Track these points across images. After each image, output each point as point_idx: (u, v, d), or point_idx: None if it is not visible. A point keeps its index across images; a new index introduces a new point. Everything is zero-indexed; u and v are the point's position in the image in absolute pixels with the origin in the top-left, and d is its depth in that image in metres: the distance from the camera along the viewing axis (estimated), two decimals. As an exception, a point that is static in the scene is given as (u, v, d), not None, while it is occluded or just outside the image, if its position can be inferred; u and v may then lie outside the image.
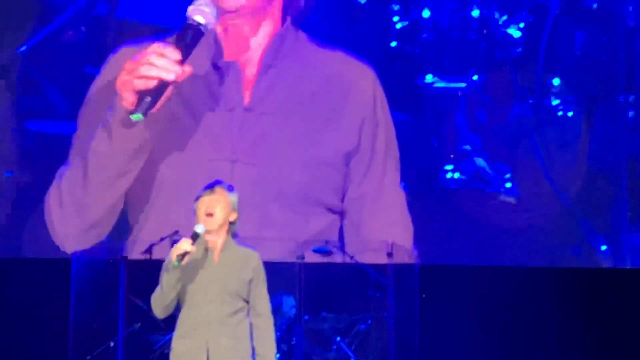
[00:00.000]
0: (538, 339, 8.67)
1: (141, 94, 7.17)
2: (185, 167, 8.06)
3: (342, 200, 8.39)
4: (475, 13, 8.88)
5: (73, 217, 8.09)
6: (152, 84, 7.17)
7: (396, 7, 8.84)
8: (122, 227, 8.53)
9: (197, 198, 5.74)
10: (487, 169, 8.71)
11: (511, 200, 8.65)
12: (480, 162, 8.73)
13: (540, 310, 8.64)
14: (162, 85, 7.22)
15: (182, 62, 7.22)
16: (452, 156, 8.92)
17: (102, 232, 8.05)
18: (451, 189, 8.74)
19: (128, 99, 7.27)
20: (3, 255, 8.74)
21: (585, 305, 8.80)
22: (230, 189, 5.84)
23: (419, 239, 8.61)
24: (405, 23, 8.84)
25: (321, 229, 8.25)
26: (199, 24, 7.28)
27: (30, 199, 8.57)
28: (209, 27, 7.40)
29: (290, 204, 8.30)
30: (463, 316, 8.78)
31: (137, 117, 7.22)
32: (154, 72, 7.16)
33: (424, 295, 8.44)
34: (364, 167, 8.40)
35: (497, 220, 8.60)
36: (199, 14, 7.30)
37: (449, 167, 8.77)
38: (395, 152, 8.53)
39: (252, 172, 8.21)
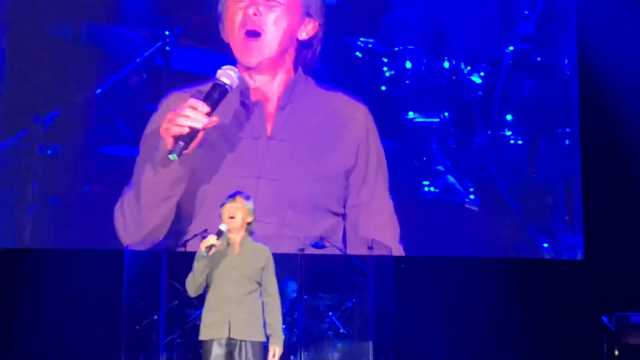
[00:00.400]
0: (491, 309, 9.72)
1: (176, 139, 8.44)
2: (221, 183, 9.20)
3: (344, 206, 9.70)
4: (446, 64, 10.24)
5: (132, 227, 9.45)
6: (185, 131, 8.39)
7: (385, 60, 10.14)
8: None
9: (222, 204, 6.74)
10: (456, 185, 10.08)
11: (474, 208, 10.03)
12: (450, 179, 10.08)
13: (494, 287, 9.68)
14: (194, 132, 8.46)
15: (210, 114, 8.46)
16: (427, 181, 10.17)
17: (156, 238, 9.31)
18: (428, 200, 10.06)
19: (167, 142, 8.55)
20: (82, 247, 9.74)
21: (530, 285, 9.97)
22: (247, 197, 6.71)
23: (404, 236, 9.92)
24: (392, 72, 10.17)
25: (327, 229, 9.50)
26: (225, 84, 8.56)
27: (103, 207, 9.64)
28: (233, 86, 8.65)
29: (303, 209, 9.65)
30: (431, 295, 9.85)
31: (173, 156, 8.43)
32: (187, 122, 8.39)
33: (403, 265, 9.63)
34: (360, 181, 9.70)
35: (463, 223, 9.98)
36: (225, 76, 8.57)
37: (426, 182, 10.08)
38: (384, 170, 9.90)
39: (273, 186, 9.61)
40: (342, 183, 9.55)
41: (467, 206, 10.10)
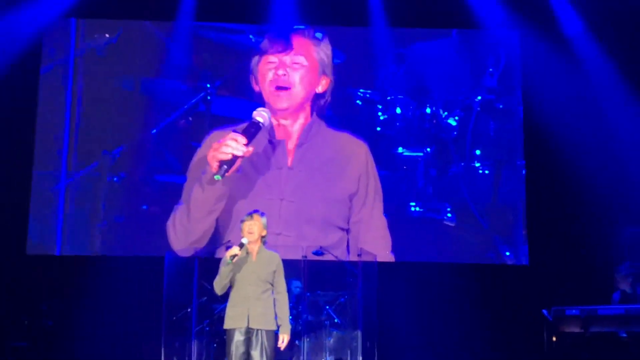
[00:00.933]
0: (459, 303, 10.46)
1: (221, 163, 9.08)
2: (252, 203, 9.83)
3: (347, 222, 10.47)
4: (428, 110, 10.95)
5: (182, 236, 10.19)
6: (228, 157, 9.05)
7: (380, 106, 10.91)
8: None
9: (242, 221, 7.26)
10: (436, 205, 10.88)
11: (451, 224, 10.79)
12: (432, 201, 10.90)
13: (463, 286, 10.49)
14: (234, 158, 9.09)
15: (247, 145, 9.15)
16: (413, 202, 10.99)
17: (199, 245, 10.13)
18: (414, 217, 10.77)
19: (213, 166, 9.17)
20: (138, 254, 10.50)
21: (490, 285, 10.69)
22: (262, 214, 7.21)
23: (395, 246, 10.65)
24: (386, 116, 10.94)
25: (335, 241, 10.33)
26: (259, 122, 9.33)
27: (157, 222, 10.64)
28: (265, 124, 9.38)
29: (316, 225, 10.43)
30: (409, 292, 10.44)
31: (217, 177, 9.06)
32: (229, 150, 9.10)
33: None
34: (361, 203, 10.49)
35: (442, 236, 10.77)
36: (260, 116, 9.37)
37: (413, 203, 10.81)
38: (380, 194, 10.60)
39: (292, 206, 10.48)
40: (346, 204, 10.34)
41: (445, 222, 10.82)
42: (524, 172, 10.94)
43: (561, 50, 10.90)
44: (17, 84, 10.72)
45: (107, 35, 10.84)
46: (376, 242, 10.36)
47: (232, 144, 9.11)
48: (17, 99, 10.76)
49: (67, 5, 10.89)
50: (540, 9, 10.89)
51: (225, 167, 9.03)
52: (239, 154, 9.08)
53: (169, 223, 10.31)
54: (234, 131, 9.30)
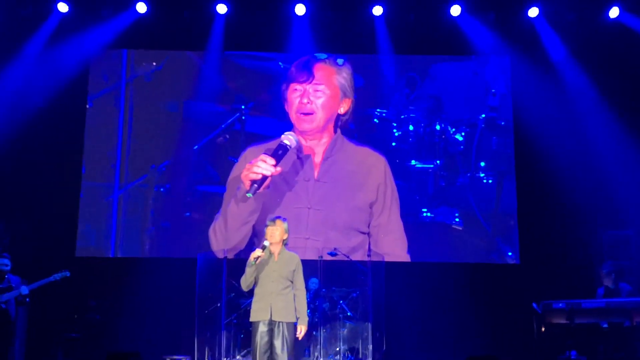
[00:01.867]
0: (462, 298, 10.93)
1: (252, 182, 9.81)
2: (283, 212, 10.42)
3: (368, 227, 11.05)
4: (437, 127, 11.60)
5: (222, 243, 10.80)
6: (258, 177, 9.80)
7: (394, 124, 11.58)
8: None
9: (266, 226, 7.57)
10: (445, 211, 11.43)
11: (459, 228, 11.36)
12: (442, 207, 11.45)
13: (461, 284, 11.07)
14: (264, 178, 9.80)
15: (275, 165, 9.85)
16: (425, 208, 11.52)
17: (238, 249, 10.66)
18: (426, 222, 11.35)
19: (245, 185, 9.91)
20: (180, 256, 11.06)
21: (490, 283, 11.23)
22: (284, 220, 7.53)
23: (410, 248, 11.21)
24: (400, 132, 11.60)
25: (357, 244, 10.88)
26: (286, 145, 10.07)
27: (199, 228, 11.34)
28: (292, 146, 10.07)
29: (340, 231, 11.00)
30: (416, 290, 10.90)
31: (249, 195, 9.82)
32: (259, 171, 9.85)
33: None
34: (380, 209, 11.09)
35: (451, 239, 11.32)
36: (287, 139, 10.13)
37: (424, 209, 11.41)
38: (397, 201, 11.16)
39: (319, 214, 11.08)
40: (367, 211, 10.95)
41: (454, 227, 11.37)
42: (514, 181, 11.62)
43: (547, 73, 11.62)
44: (68, 108, 11.71)
45: (154, 64, 11.76)
46: (394, 245, 11.01)
47: (262, 165, 9.89)
48: (65, 121, 11.73)
49: (113, 37, 11.88)
50: (528, 36, 11.66)
51: (255, 185, 9.77)
52: (268, 173, 9.83)
53: (211, 230, 11.08)
54: (265, 152, 10.12)
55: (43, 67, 11.57)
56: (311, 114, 10.89)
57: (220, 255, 10.48)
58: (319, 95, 10.92)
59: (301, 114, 10.87)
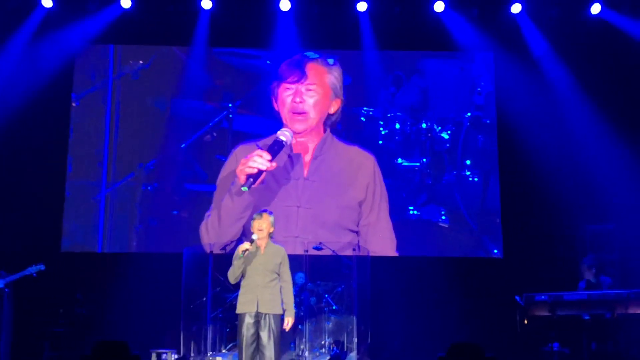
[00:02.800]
0: (442, 291, 11.08)
1: (248, 177, 9.92)
2: (273, 210, 9.24)
3: (357, 226, 11.17)
4: (424, 125, 11.77)
5: (214, 239, 10.80)
6: (254, 171, 9.92)
7: (381, 122, 11.73)
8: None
9: (253, 219, 7.60)
10: (432, 209, 11.59)
11: (445, 225, 11.53)
12: (428, 205, 11.63)
13: (445, 277, 11.14)
14: (259, 172, 9.94)
15: (271, 160, 9.99)
16: (412, 206, 11.71)
17: (228, 246, 10.53)
18: (413, 220, 11.53)
19: (241, 179, 10.03)
20: (166, 251, 11.06)
21: (473, 276, 11.42)
22: (270, 213, 7.58)
23: (397, 246, 11.34)
24: (386, 131, 11.76)
25: (346, 242, 10.93)
26: (282, 141, 10.24)
27: (186, 226, 11.37)
28: (288, 142, 10.25)
29: (329, 229, 11.13)
30: (400, 284, 11.03)
31: (244, 189, 9.88)
32: (255, 165, 9.99)
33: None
34: (369, 208, 11.23)
35: (437, 236, 11.53)
36: (283, 135, 10.33)
37: (411, 207, 11.61)
38: (386, 200, 11.32)
39: (309, 212, 11.19)
40: (356, 210, 11.12)
41: (440, 224, 11.52)
42: (497, 177, 11.85)
43: (530, 69, 11.78)
44: (53, 105, 11.71)
45: (140, 62, 11.81)
46: (383, 243, 11.22)
47: (258, 160, 10.07)
48: (50, 117, 11.75)
49: (98, 32, 11.88)
50: (511, 33, 11.86)
51: (251, 180, 9.92)
52: (264, 168, 10.01)
53: (202, 227, 11.19)
54: (259, 147, 10.26)
55: (27, 62, 11.57)
56: (304, 113, 11.03)
57: (208, 250, 10.52)
58: (311, 95, 11.08)
59: (294, 113, 11.00)
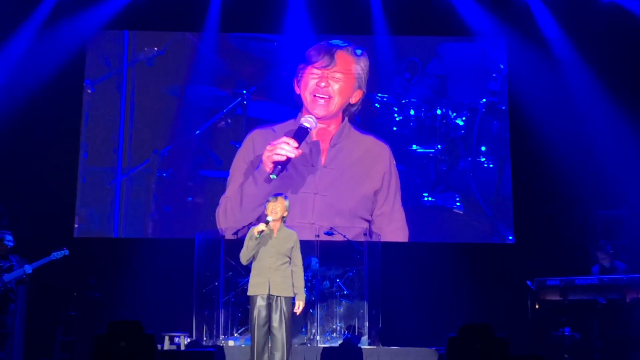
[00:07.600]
0: (454, 276, 11.19)
1: (275, 164, 10.38)
2: (291, 197, 9.52)
3: (371, 215, 11.57)
4: (438, 112, 12.06)
5: (232, 224, 11.06)
6: (282, 158, 10.37)
7: (396, 109, 12.01)
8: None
9: (267, 201, 7.82)
10: (447, 196, 11.84)
11: (460, 212, 11.81)
12: (443, 192, 11.86)
13: (456, 263, 11.34)
14: (288, 160, 10.36)
15: (297, 148, 10.44)
16: (426, 193, 11.95)
17: (240, 231, 10.63)
18: (427, 206, 11.84)
19: (268, 166, 10.52)
20: (180, 237, 11.33)
21: (485, 262, 11.66)
22: (285, 197, 7.83)
23: (411, 232, 11.70)
24: (401, 117, 12.05)
25: (360, 231, 11.23)
26: (307, 127, 10.72)
27: (200, 211, 11.78)
28: (312, 128, 10.73)
29: (345, 217, 11.50)
30: (410, 269, 11.21)
31: (273, 176, 10.35)
32: (283, 152, 10.44)
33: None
34: (383, 198, 11.63)
35: (452, 222, 11.81)
36: (307, 122, 10.81)
37: (426, 194, 11.91)
38: (399, 190, 11.69)
39: (325, 200, 11.55)
40: (371, 199, 11.52)
41: (455, 211, 11.79)
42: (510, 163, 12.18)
43: (542, 54, 12.04)
44: (66, 91, 12.06)
45: (155, 49, 12.20)
46: (397, 233, 11.64)
47: (285, 147, 10.50)
48: (64, 102, 12.09)
49: (111, 17, 12.20)
50: (523, 17, 12.12)
51: (279, 167, 10.35)
52: (292, 155, 10.45)
53: (220, 211, 11.59)
54: (275, 132, 10.72)
55: (40, 49, 11.92)
56: (328, 97, 11.35)
57: (223, 233, 10.85)
58: (337, 81, 11.43)
59: (316, 96, 11.34)
